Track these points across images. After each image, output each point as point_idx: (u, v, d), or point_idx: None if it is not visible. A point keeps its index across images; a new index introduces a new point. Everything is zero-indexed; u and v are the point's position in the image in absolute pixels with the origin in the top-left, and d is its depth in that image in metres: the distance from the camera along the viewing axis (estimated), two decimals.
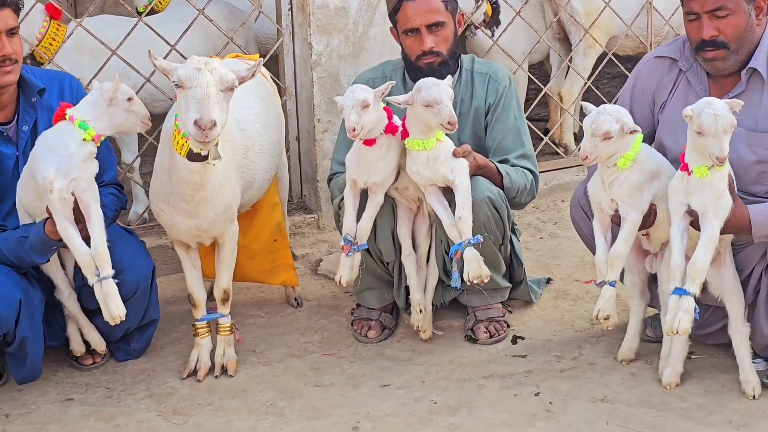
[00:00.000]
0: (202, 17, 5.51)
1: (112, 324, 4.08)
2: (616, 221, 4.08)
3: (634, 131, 3.96)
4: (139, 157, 5.81)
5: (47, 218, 4.16)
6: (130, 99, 4.06)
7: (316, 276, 5.47)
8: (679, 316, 3.86)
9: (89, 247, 4.01)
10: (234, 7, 6.23)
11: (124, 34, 5.45)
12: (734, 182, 3.94)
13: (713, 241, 3.85)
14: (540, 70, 7.23)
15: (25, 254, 4.23)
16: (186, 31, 5.48)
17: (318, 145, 5.66)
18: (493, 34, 6.42)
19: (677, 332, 3.87)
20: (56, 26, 5.45)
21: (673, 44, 4.39)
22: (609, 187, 4.04)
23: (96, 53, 5.49)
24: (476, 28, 6.32)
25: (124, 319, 4.06)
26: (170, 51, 5.37)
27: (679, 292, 3.88)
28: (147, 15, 6.08)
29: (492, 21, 6.45)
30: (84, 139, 4.02)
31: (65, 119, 4.08)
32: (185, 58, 4.52)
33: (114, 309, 4.02)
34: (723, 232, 3.86)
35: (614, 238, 4.11)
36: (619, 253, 4.04)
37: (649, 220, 4.06)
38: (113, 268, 4.04)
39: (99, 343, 4.55)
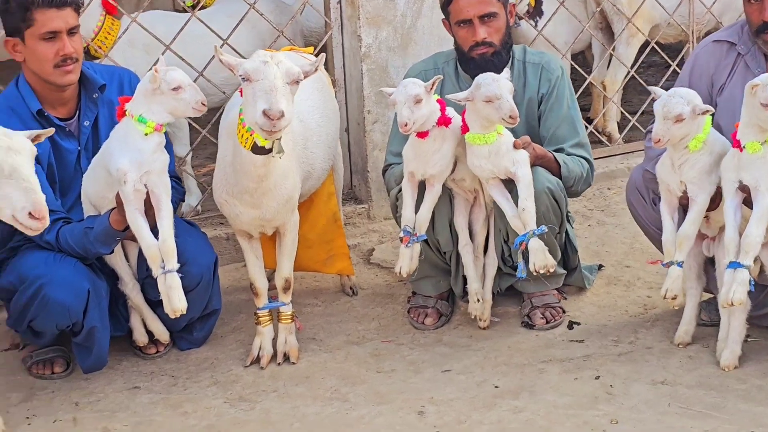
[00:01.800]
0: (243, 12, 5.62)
1: (172, 317, 4.17)
2: (684, 203, 4.15)
3: (706, 112, 4.03)
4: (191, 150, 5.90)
5: (112, 209, 4.26)
6: (176, 88, 4.11)
7: (369, 265, 5.55)
8: (734, 288, 3.97)
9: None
10: (281, 1, 6.30)
11: (173, 29, 5.54)
12: None
13: (766, 213, 3.92)
14: (581, 60, 7.28)
15: (91, 245, 4.32)
16: (237, 26, 5.56)
17: (368, 136, 5.73)
18: (536, 25, 6.48)
19: (732, 303, 3.97)
20: (111, 21, 5.54)
21: (731, 28, 4.46)
22: (679, 168, 4.11)
23: (149, 48, 5.57)
24: (520, 18, 6.38)
25: (185, 312, 4.15)
26: (221, 46, 5.45)
27: (734, 265, 3.98)
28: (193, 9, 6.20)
29: (535, 11, 6.51)
30: (146, 133, 4.11)
31: (126, 114, 4.17)
32: (240, 55, 4.63)
33: (176, 302, 4.10)
34: None
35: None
36: (687, 234, 4.13)
37: (715, 201, 4.13)
38: (177, 260, 4.14)
39: (162, 334, 4.64)
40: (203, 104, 4.11)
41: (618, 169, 6.39)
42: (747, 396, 4.07)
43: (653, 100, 4.16)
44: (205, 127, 5.64)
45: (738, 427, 3.86)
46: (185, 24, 5.51)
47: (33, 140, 3.62)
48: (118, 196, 4.16)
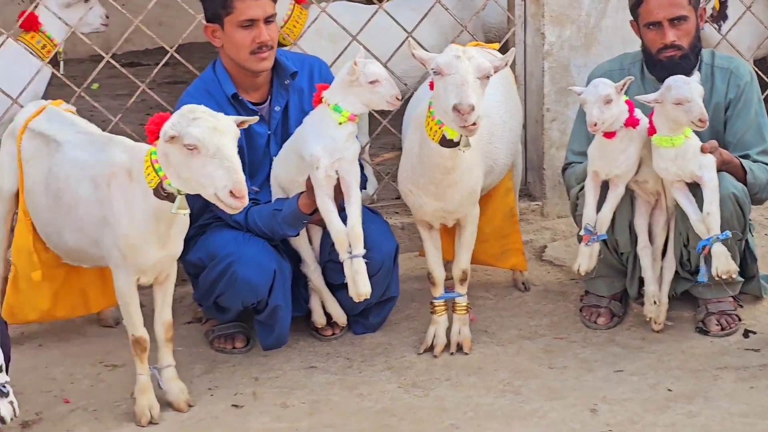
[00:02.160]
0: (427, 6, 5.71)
1: (357, 301, 4.28)
2: None
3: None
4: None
5: (301, 193, 4.40)
6: (373, 82, 4.22)
7: (541, 262, 5.58)
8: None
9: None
10: None
11: (359, 20, 5.68)
12: None
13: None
14: (763, 66, 7.16)
15: (278, 227, 4.48)
16: (422, 20, 5.66)
17: (546, 134, 5.77)
18: (720, 29, 6.40)
19: None
20: (300, 11, 5.69)
21: None
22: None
23: (335, 38, 5.70)
24: (705, 22, 6.31)
25: (369, 297, 4.26)
26: (405, 39, 5.53)
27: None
28: (369, 3, 6.35)
29: (719, 15, 6.43)
30: (340, 122, 4.24)
31: (321, 102, 4.31)
32: (423, 48, 4.72)
33: (361, 287, 4.22)
34: None
35: None
36: None
37: None
38: None
39: (340, 317, 4.76)
40: (397, 98, 4.22)
41: None
42: None
43: None
44: (386, 117, 5.75)
45: None
46: (372, 16, 5.63)
47: (238, 125, 3.77)
48: (308, 181, 4.30)
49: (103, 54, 5.27)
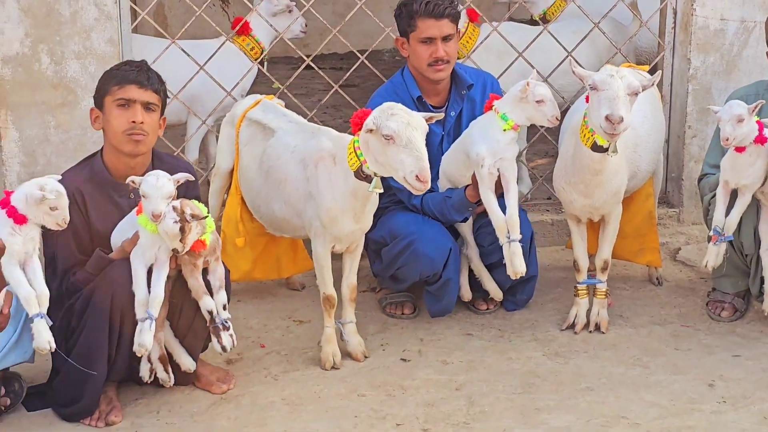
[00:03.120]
0: (586, 28, 6.44)
1: (514, 278, 5.02)
2: None
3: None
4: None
5: (468, 185, 5.17)
6: (539, 101, 4.94)
7: (675, 262, 6.24)
8: None
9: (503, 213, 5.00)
10: (618, 21, 7.07)
11: (523, 39, 6.42)
12: None
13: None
14: None
15: (447, 211, 5.26)
16: (581, 41, 6.39)
17: (686, 148, 6.42)
18: None
19: None
20: (473, 28, 6.47)
21: None
22: None
23: (501, 54, 6.45)
24: None
25: (524, 274, 5.00)
26: (566, 57, 6.26)
27: None
28: (533, 24, 7.12)
29: None
30: (504, 129, 4.98)
31: (492, 110, 5.07)
32: (580, 67, 5.44)
33: (518, 266, 4.96)
34: None
35: None
36: None
37: None
38: None
39: (496, 292, 5.51)
40: (557, 118, 4.92)
41: None
42: None
43: None
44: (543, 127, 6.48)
45: None
46: (537, 36, 6.38)
47: (426, 120, 4.56)
48: (473, 176, 5.06)
49: (305, 57, 6.15)
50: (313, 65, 6.21)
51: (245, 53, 6.42)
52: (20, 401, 4.67)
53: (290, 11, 6.56)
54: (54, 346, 4.16)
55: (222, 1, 10.79)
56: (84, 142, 5.63)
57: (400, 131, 4.39)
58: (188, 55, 5.93)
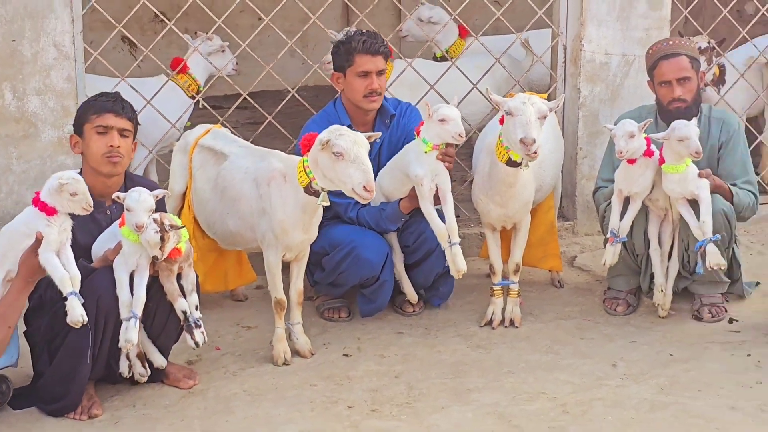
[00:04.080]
0: (486, 64, 7.26)
1: (458, 277, 5.65)
2: None
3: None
4: None
5: (402, 198, 5.86)
6: (442, 120, 5.55)
7: (573, 267, 7.05)
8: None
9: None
10: (513, 57, 7.91)
11: (432, 74, 7.19)
12: None
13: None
14: (754, 123, 8.67)
15: (383, 222, 5.95)
16: (485, 74, 7.20)
17: (578, 168, 7.25)
18: (719, 91, 7.91)
19: None
20: (390, 65, 7.21)
21: None
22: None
23: (413, 87, 7.19)
24: (706, 85, 7.82)
25: (465, 271, 5.60)
26: (471, 89, 7.06)
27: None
28: (442, 60, 7.93)
29: (719, 80, 7.94)
30: (425, 151, 5.68)
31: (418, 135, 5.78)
32: (496, 95, 6.19)
33: (460, 264, 5.56)
34: None
35: None
36: None
37: None
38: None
39: (412, 295, 6.18)
40: (461, 135, 5.55)
41: None
42: None
43: None
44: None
45: None
46: (447, 70, 7.17)
47: (367, 139, 5.24)
48: (411, 190, 5.73)
49: (241, 91, 6.81)
50: (250, 99, 6.86)
51: (183, 90, 7.05)
52: (7, 401, 5.18)
53: (223, 51, 7.22)
54: (87, 319, 4.76)
55: (130, 45, 11.33)
56: (44, 171, 6.15)
57: (348, 148, 5.06)
58: (136, 91, 6.52)
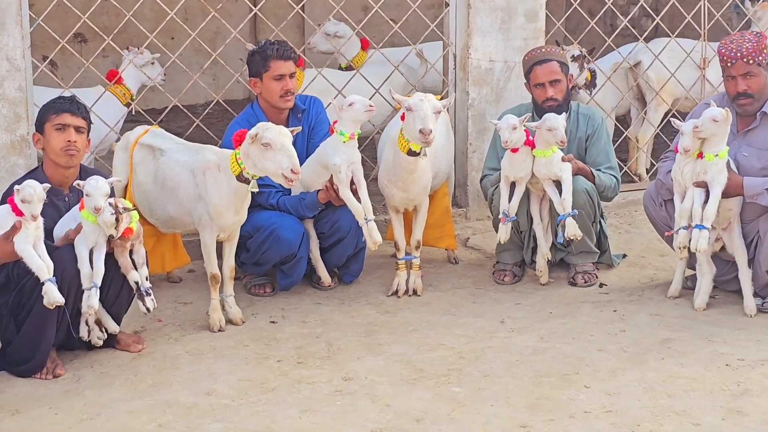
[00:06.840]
0: (386, 72, 8.25)
1: (374, 248, 6.52)
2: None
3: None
4: None
5: (319, 189, 6.77)
6: (351, 104, 6.51)
7: (466, 247, 8.03)
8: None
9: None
10: (409, 66, 8.90)
11: (338, 81, 8.15)
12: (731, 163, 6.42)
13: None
14: (622, 120, 9.81)
15: (302, 209, 6.86)
16: (385, 81, 8.17)
17: (469, 161, 8.23)
18: (590, 93, 9.00)
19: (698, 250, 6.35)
20: (299, 72, 8.13)
21: (717, 96, 6.91)
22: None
23: (322, 93, 8.09)
24: (579, 88, 8.91)
25: (380, 243, 6.49)
26: (374, 94, 8.01)
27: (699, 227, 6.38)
28: (348, 70, 8.90)
29: (590, 84, 9.02)
30: (344, 141, 6.61)
31: (334, 131, 6.69)
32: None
33: (376, 237, 6.43)
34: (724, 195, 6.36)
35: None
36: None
37: None
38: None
39: (326, 278, 7.06)
40: (370, 107, 6.45)
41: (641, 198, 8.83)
42: (710, 322, 6.49)
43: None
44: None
45: (698, 335, 6.29)
46: (351, 77, 8.13)
47: (291, 132, 6.15)
48: (329, 180, 6.62)
49: (174, 99, 7.66)
50: (180, 105, 7.73)
51: (118, 98, 7.90)
52: None
53: (153, 63, 8.10)
54: (63, 301, 5.54)
55: (50, 63, 12.05)
56: None
57: (274, 139, 5.97)
58: (78, 99, 7.31)
